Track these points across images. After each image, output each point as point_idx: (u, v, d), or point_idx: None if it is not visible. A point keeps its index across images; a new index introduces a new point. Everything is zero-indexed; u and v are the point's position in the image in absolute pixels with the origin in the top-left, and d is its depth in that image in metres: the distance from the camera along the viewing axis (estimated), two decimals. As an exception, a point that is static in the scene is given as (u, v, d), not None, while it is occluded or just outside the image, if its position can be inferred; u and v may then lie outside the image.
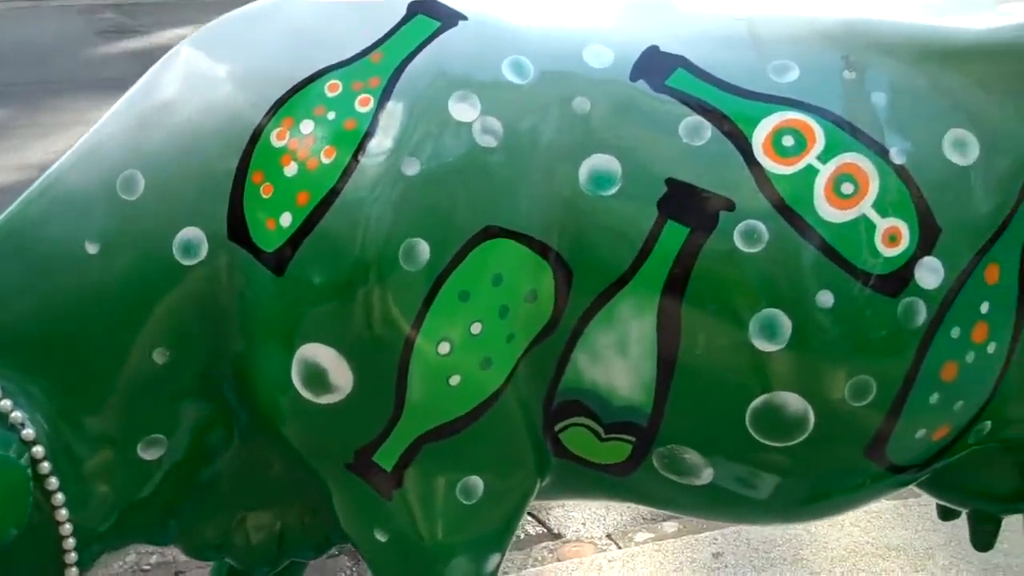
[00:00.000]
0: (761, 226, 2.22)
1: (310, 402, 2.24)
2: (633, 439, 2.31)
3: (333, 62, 2.29)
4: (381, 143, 2.21)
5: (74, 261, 2.26)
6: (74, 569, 2.32)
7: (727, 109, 2.26)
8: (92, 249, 2.26)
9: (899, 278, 2.24)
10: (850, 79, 2.30)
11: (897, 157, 2.26)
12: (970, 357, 2.31)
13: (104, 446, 2.31)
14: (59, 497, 2.26)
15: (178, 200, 2.26)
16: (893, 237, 2.24)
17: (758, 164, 2.23)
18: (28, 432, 2.22)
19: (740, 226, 2.22)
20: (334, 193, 2.20)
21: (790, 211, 2.22)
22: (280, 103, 2.26)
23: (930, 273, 2.25)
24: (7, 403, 2.23)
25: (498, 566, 2.40)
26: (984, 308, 2.30)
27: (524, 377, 2.26)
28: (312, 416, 2.26)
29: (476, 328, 2.21)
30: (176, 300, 2.26)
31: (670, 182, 2.23)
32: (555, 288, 2.23)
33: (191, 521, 2.47)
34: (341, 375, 2.22)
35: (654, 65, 2.30)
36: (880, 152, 2.25)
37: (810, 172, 2.23)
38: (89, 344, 2.27)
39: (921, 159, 2.26)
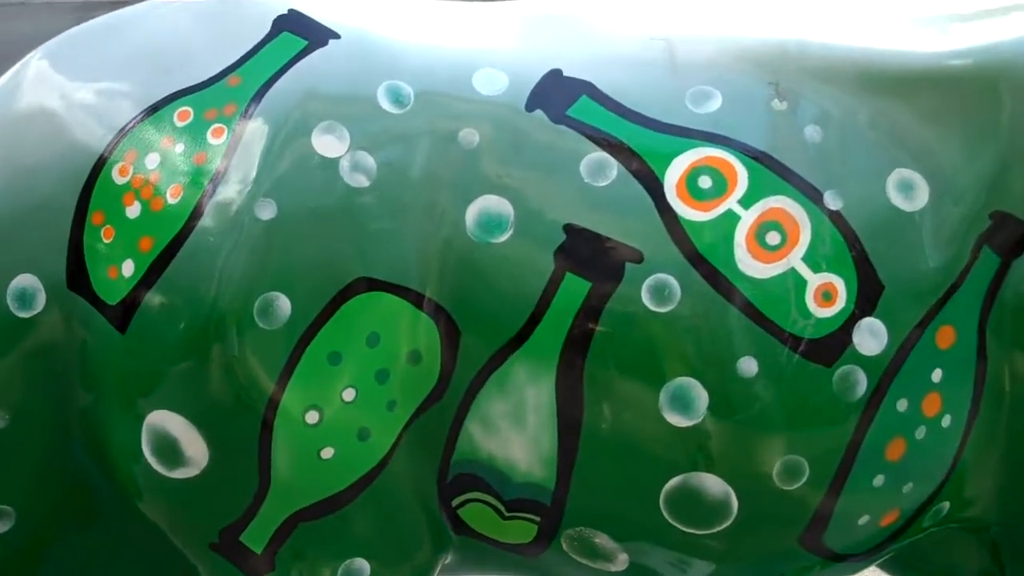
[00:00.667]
0: (673, 281, 2.08)
1: (164, 476, 2.11)
2: (538, 518, 2.18)
3: (185, 86, 2.16)
4: (234, 181, 2.08)
5: None
6: None
7: (636, 144, 2.12)
8: None
9: (835, 343, 2.09)
10: (780, 110, 2.17)
11: (832, 202, 2.12)
12: (920, 433, 2.15)
13: None
14: None
15: (12, 243, 2.14)
16: (827, 295, 2.09)
17: (670, 209, 2.10)
18: None
19: (649, 281, 2.08)
20: (180, 239, 2.07)
21: (706, 264, 2.09)
22: (124, 133, 2.14)
23: (871, 337, 2.10)
24: None
25: None
26: (936, 377, 2.15)
27: (412, 448, 2.13)
28: (169, 491, 2.13)
29: (349, 395, 2.07)
30: (13, 357, 2.15)
31: (569, 229, 2.09)
32: (440, 348, 2.10)
33: None
34: (194, 447, 2.09)
35: (555, 92, 2.16)
36: (812, 196, 2.12)
37: (730, 219, 2.10)
38: None
39: (860, 204, 2.13)
